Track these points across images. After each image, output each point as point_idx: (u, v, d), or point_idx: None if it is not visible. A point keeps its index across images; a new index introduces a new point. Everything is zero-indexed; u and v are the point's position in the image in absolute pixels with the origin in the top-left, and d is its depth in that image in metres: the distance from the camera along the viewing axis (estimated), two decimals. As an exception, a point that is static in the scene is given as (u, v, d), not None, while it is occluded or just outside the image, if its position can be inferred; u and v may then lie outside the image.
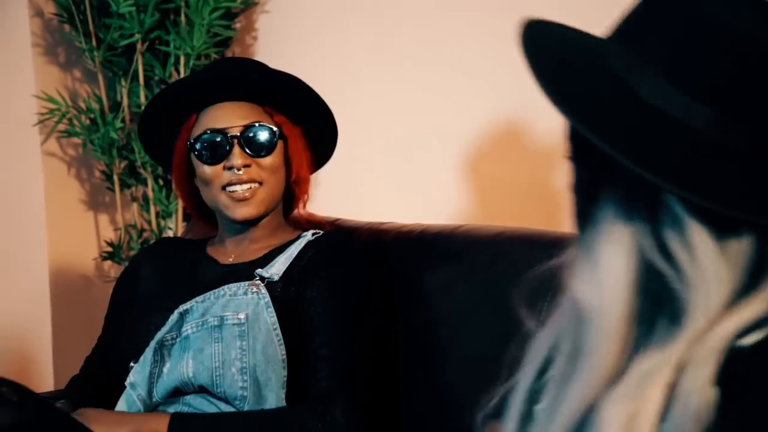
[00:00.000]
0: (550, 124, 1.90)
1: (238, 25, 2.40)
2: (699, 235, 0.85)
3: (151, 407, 1.52)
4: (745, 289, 0.86)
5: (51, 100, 2.33)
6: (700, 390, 0.82)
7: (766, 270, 0.86)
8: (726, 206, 0.82)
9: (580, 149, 0.91)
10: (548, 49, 0.92)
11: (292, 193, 1.65)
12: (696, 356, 0.84)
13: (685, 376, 0.83)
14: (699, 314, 0.84)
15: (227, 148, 1.54)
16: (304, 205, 1.67)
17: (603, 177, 0.88)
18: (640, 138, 0.86)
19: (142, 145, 1.69)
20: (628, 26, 0.91)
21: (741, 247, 0.86)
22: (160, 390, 1.51)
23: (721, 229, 0.85)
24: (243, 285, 1.52)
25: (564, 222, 1.86)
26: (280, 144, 1.58)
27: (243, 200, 1.54)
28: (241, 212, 1.55)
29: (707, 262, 0.85)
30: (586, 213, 0.89)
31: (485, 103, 1.98)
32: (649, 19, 0.89)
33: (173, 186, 2.25)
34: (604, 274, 0.86)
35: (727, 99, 0.86)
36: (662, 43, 0.87)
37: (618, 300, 0.86)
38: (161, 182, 2.38)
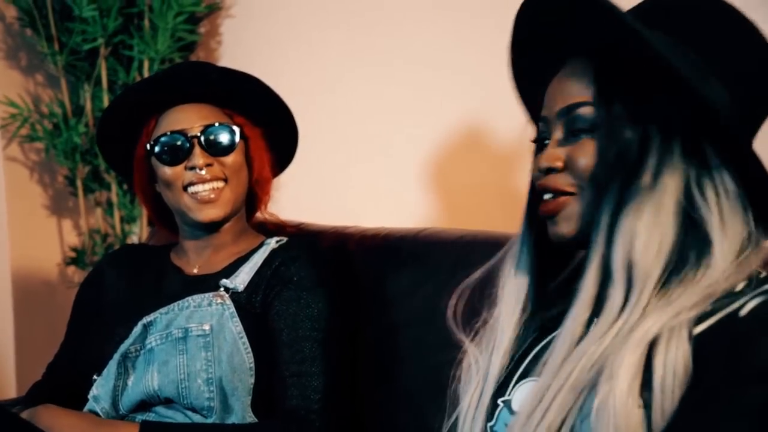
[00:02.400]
0: (513, 128, 1.92)
1: (202, 30, 2.40)
2: (723, 179, 0.95)
3: (117, 419, 1.51)
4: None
5: (13, 104, 2.31)
6: (678, 365, 0.88)
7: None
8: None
9: (641, 108, 0.97)
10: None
11: (253, 195, 1.64)
12: (670, 329, 0.90)
13: (663, 348, 0.89)
14: (718, 257, 0.93)
15: (188, 148, 1.53)
16: (265, 207, 1.67)
17: (657, 130, 0.95)
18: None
19: (101, 151, 1.67)
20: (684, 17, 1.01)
21: (739, 191, 0.96)
22: (126, 403, 1.50)
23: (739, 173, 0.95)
24: (207, 296, 1.52)
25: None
26: (241, 144, 1.57)
27: (208, 202, 1.54)
28: (207, 214, 1.54)
29: (725, 200, 0.95)
30: (632, 176, 0.96)
31: (449, 107, 1.99)
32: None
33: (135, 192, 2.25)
34: (658, 231, 0.94)
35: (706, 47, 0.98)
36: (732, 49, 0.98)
37: (662, 257, 0.94)
38: (125, 187, 2.37)
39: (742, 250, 0.95)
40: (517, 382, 1.03)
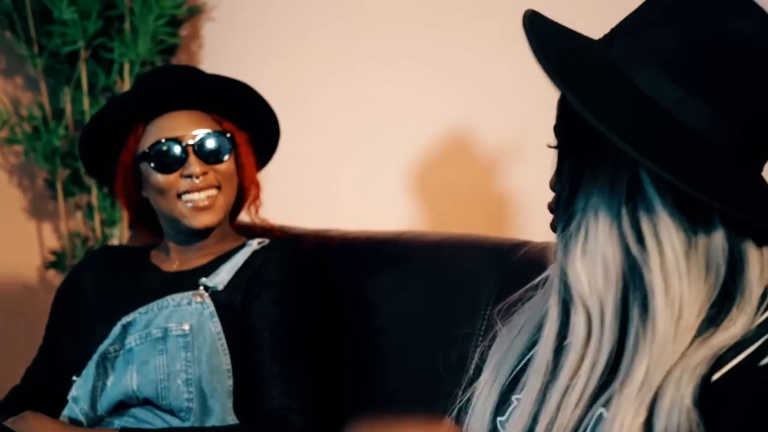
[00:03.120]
0: (495, 132, 1.93)
1: (183, 33, 2.39)
2: (667, 222, 0.87)
3: (95, 421, 1.50)
4: (716, 308, 0.87)
5: (-8, 107, 2.30)
6: (683, 410, 0.83)
7: (738, 291, 0.87)
8: (698, 190, 0.83)
9: (569, 137, 0.93)
10: (551, 35, 0.93)
11: (239, 199, 1.65)
12: (672, 377, 0.85)
13: (665, 395, 0.84)
14: (665, 309, 0.86)
15: (183, 156, 1.53)
16: (257, 211, 1.68)
17: (589, 164, 0.90)
18: (627, 118, 0.87)
19: (82, 158, 1.66)
20: (632, 23, 0.94)
21: (711, 243, 0.87)
22: (104, 403, 1.50)
23: (693, 221, 0.87)
24: (187, 295, 1.52)
25: (506, 228, 1.89)
26: (232, 150, 1.58)
27: (203, 209, 1.54)
28: (202, 221, 1.55)
29: (670, 251, 0.87)
30: (569, 203, 0.91)
31: (431, 110, 1.99)
32: (653, 17, 0.92)
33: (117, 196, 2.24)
34: (599, 261, 0.88)
35: (721, 99, 0.88)
36: (664, 39, 0.90)
37: (611, 286, 0.88)
38: (105, 190, 2.36)
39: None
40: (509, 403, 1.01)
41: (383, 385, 1.56)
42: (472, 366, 1.08)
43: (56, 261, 2.37)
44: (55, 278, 2.42)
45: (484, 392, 1.03)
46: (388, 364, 1.56)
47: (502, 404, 1.01)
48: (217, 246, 1.61)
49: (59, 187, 2.36)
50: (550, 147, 0.99)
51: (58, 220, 2.44)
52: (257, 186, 1.65)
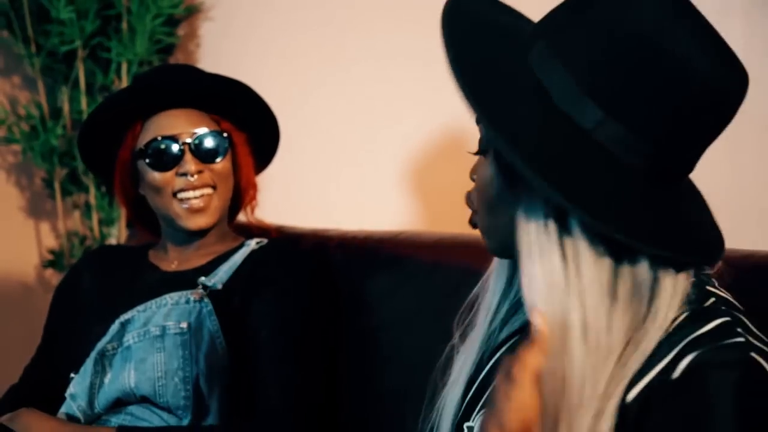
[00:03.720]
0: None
1: (181, 32, 2.39)
2: (589, 252, 0.84)
3: (92, 418, 1.51)
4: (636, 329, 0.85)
5: (-10, 106, 2.30)
6: None
7: (649, 315, 0.86)
8: (609, 225, 0.82)
9: (498, 157, 0.91)
10: (472, 35, 0.91)
11: (237, 199, 1.65)
12: (600, 408, 0.84)
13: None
14: (581, 343, 0.84)
15: (179, 154, 1.54)
16: (252, 211, 1.68)
17: (521, 184, 0.87)
18: (540, 145, 0.85)
19: (81, 153, 1.66)
20: (555, 21, 0.90)
21: (636, 272, 0.85)
22: (102, 401, 1.50)
23: (614, 250, 0.85)
24: (185, 294, 1.52)
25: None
26: (229, 150, 1.58)
27: (198, 211, 1.54)
28: (196, 222, 1.55)
29: (588, 282, 0.84)
30: (514, 218, 0.89)
31: (428, 110, 1.99)
32: (576, 21, 0.88)
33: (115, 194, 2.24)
34: (538, 276, 0.86)
35: (636, 118, 0.85)
36: (584, 49, 0.86)
37: (553, 301, 0.86)
38: (103, 189, 2.36)
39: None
40: (480, 408, 1.00)
41: (381, 384, 1.57)
42: (432, 386, 1.08)
43: (54, 260, 2.37)
44: (53, 277, 2.42)
45: (448, 404, 1.02)
46: (386, 363, 1.57)
47: (468, 410, 1.01)
48: (215, 246, 1.61)
49: (57, 186, 2.36)
50: (471, 153, 0.97)
51: (56, 219, 2.44)
52: (254, 187, 1.65)
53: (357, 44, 2.11)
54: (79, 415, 1.50)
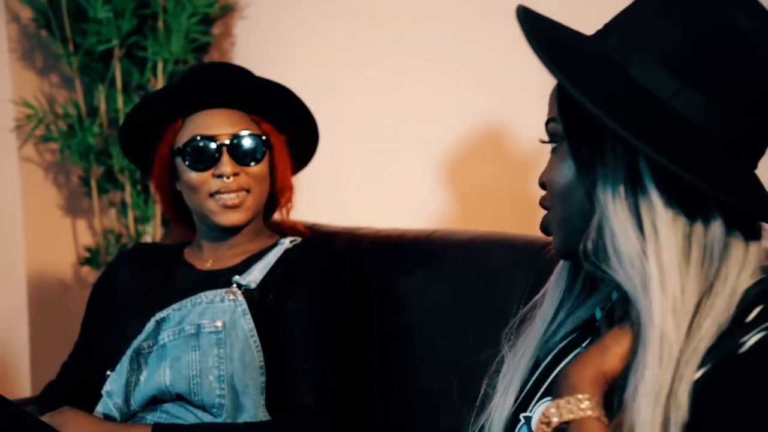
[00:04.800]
0: (527, 129, 1.92)
1: (216, 31, 2.41)
2: (664, 213, 0.87)
3: (128, 415, 1.52)
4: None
5: (28, 105, 2.32)
6: (684, 406, 0.83)
7: (721, 271, 0.88)
8: (691, 173, 0.83)
9: (566, 131, 0.93)
10: (545, 27, 0.93)
11: (273, 199, 1.65)
12: (679, 370, 0.85)
13: (678, 389, 0.84)
14: (661, 301, 0.86)
15: (216, 155, 1.54)
16: (288, 213, 1.68)
17: (587, 157, 0.90)
18: (623, 106, 0.87)
19: (121, 146, 1.66)
20: (628, 16, 0.94)
21: (708, 234, 0.88)
22: (137, 398, 1.51)
23: (691, 212, 0.87)
24: (220, 292, 1.52)
25: (538, 226, 1.87)
26: (266, 152, 1.58)
27: (232, 207, 1.55)
28: (230, 219, 1.55)
29: (666, 241, 0.87)
30: (590, 191, 0.91)
31: (462, 107, 1.99)
32: (649, 10, 0.91)
33: (152, 188, 2.25)
34: (619, 237, 0.88)
35: (718, 90, 0.88)
36: (660, 31, 0.89)
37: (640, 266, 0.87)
38: (139, 188, 2.38)
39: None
40: (539, 399, 1.01)
41: (414, 382, 1.56)
42: (481, 393, 1.09)
43: (90, 258, 2.40)
44: (90, 275, 2.44)
45: (496, 416, 1.03)
46: (419, 362, 1.56)
47: (513, 424, 1.01)
48: (249, 244, 1.62)
49: (93, 184, 2.38)
50: (543, 142, 0.99)
51: (92, 217, 2.46)
52: (291, 188, 1.65)
53: (390, 43, 2.11)
54: (115, 413, 1.51)
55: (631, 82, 0.89)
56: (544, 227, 1.00)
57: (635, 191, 0.88)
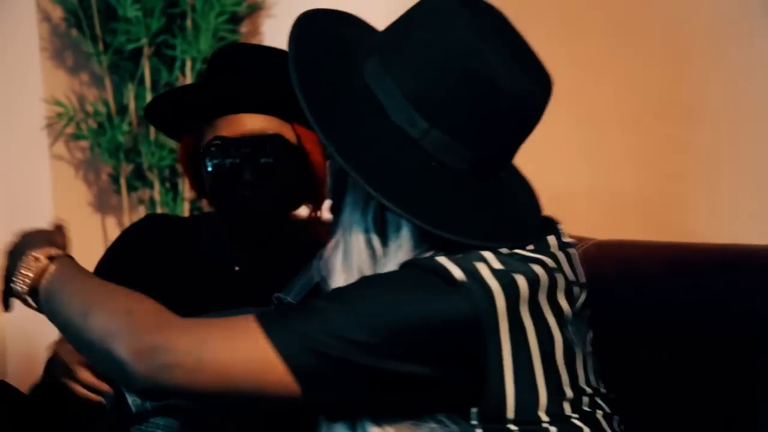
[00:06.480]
0: (544, 129, 1.91)
1: (243, 29, 2.42)
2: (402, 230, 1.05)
3: (144, 412, 1.51)
4: None
5: (59, 103, 2.35)
6: None
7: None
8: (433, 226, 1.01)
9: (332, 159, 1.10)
10: (314, 43, 1.10)
11: (301, 196, 1.61)
12: None
13: None
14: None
15: (237, 161, 1.49)
16: (320, 209, 1.62)
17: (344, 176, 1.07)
18: (371, 153, 1.03)
19: (151, 110, 1.56)
20: (386, 38, 1.09)
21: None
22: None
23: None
24: (264, 310, 1.47)
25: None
26: (295, 153, 1.53)
27: (253, 205, 1.51)
28: (251, 216, 1.52)
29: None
30: (335, 217, 1.11)
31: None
32: (403, 38, 1.06)
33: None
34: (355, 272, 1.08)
35: (463, 130, 1.02)
36: (410, 66, 1.04)
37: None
38: (167, 185, 2.40)
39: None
40: None
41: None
42: None
43: (120, 254, 2.42)
44: (119, 271, 2.46)
45: None
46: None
47: None
48: (278, 242, 1.58)
49: (123, 182, 2.40)
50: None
51: (121, 214, 2.49)
52: (323, 184, 1.56)
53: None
54: (132, 408, 1.50)
55: (386, 123, 1.03)
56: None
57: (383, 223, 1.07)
